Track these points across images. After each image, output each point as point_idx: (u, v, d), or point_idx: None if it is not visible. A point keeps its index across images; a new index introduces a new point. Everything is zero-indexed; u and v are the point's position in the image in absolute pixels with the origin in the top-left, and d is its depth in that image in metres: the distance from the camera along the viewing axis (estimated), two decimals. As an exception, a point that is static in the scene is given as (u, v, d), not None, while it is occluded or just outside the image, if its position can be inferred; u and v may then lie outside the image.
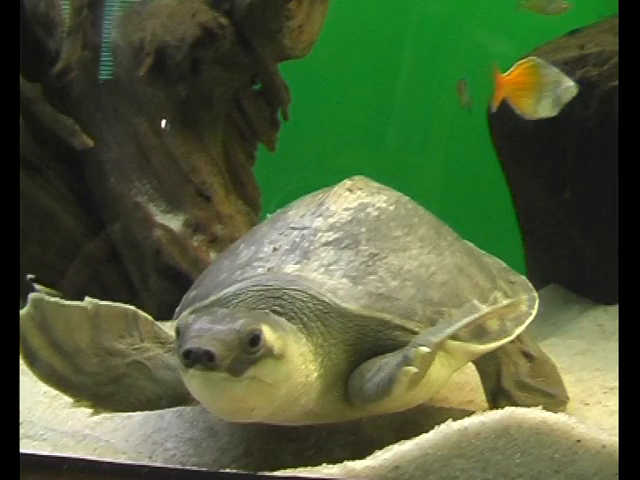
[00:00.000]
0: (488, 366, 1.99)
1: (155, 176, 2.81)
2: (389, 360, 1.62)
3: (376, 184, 2.01)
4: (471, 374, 2.07)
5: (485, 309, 1.81)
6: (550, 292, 3.07)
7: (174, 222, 2.76)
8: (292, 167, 3.59)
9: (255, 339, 1.51)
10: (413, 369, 1.56)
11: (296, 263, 1.75)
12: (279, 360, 1.55)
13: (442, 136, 4.06)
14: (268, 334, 1.54)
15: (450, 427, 1.50)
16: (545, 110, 2.40)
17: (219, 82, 2.81)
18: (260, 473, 1.52)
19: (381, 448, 1.57)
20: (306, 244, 1.79)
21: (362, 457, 1.55)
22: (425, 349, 1.56)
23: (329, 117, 3.97)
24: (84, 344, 1.75)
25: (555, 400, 2.01)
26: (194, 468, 1.61)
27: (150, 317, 1.86)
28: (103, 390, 1.73)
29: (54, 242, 2.93)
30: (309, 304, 1.67)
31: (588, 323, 2.81)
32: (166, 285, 2.73)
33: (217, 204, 2.82)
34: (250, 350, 1.51)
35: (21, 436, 1.73)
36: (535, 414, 1.52)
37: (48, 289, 3.08)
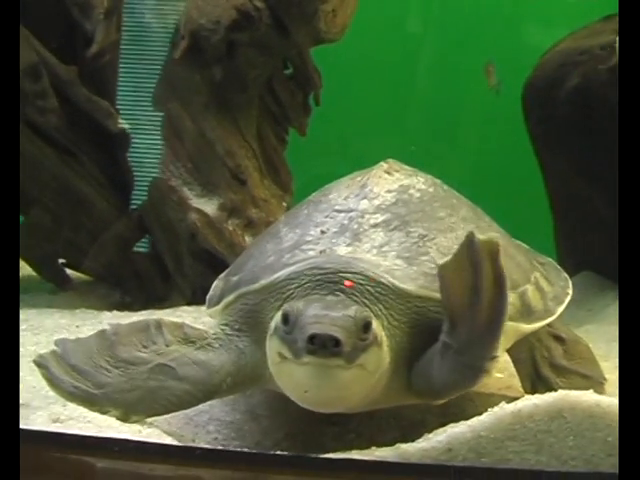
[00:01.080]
0: (521, 352, 1.98)
1: (190, 159, 2.79)
2: (457, 359, 1.57)
3: (408, 167, 2.01)
4: (508, 360, 2.06)
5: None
6: (584, 279, 3.03)
7: (209, 206, 2.74)
8: (314, 152, 3.59)
9: (367, 326, 1.53)
10: (486, 375, 1.55)
11: (348, 245, 1.74)
12: (380, 348, 1.57)
13: (470, 122, 4.05)
14: (374, 322, 1.56)
15: (503, 409, 1.50)
16: None
17: (254, 65, 2.80)
18: (314, 455, 1.51)
19: (429, 432, 1.56)
20: (355, 226, 1.78)
21: (404, 441, 1.55)
22: (497, 357, 1.54)
23: (351, 102, 3.96)
24: (103, 362, 1.75)
25: (592, 381, 2.00)
26: (246, 450, 1.60)
27: (179, 321, 1.84)
28: (129, 397, 1.71)
29: (86, 226, 2.93)
30: (368, 287, 1.65)
31: (624, 310, 2.77)
32: (201, 269, 2.72)
33: (252, 188, 2.80)
34: (362, 337, 1.52)
35: (65, 418, 1.73)
36: (588, 397, 1.52)
37: (79, 273, 3.10)
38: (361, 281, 1.66)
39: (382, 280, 1.66)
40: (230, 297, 1.83)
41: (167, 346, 1.77)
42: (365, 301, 1.64)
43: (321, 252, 1.74)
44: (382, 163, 1.97)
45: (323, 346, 1.46)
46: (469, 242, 1.53)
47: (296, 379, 1.53)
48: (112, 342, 1.77)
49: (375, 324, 1.56)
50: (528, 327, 1.81)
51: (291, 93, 3.02)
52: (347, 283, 1.66)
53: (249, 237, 2.69)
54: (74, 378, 1.73)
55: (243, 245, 2.66)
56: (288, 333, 1.53)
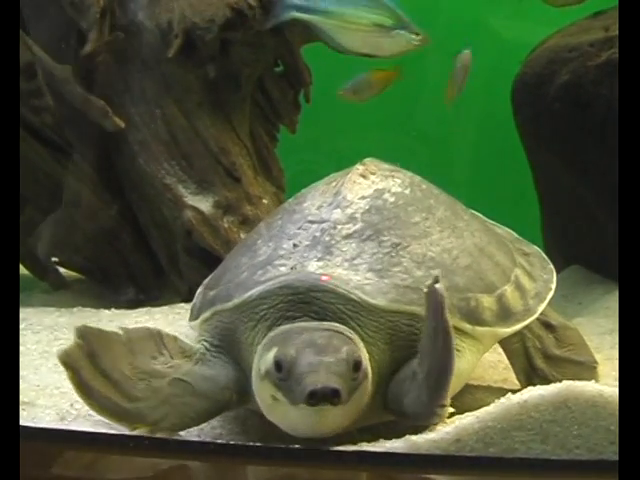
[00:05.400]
0: (513, 344, 2.00)
1: (184, 157, 2.80)
2: (421, 389, 1.56)
3: (387, 166, 1.99)
4: (503, 353, 2.08)
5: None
6: (573, 273, 3.07)
7: (204, 203, 2.75)
8: (293, 149, 3.59)
9: (358, 365, 1.53)
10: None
11: (319, 260, 1.71)
12: (368, 380, 1.57)
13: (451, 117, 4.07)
14: (362, 356, 1.55)
15: (510, 400, 1.53)
16: None
17: (247, 63, 2.81)
18: (325, 448, 1.52)
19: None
20: (327, 238, 1.75)
21: (411, 433, 1.57)
22: (449, 409, 1.54)
23: (329, 99, 3.98)
24: (127, 370, 1.68)
25: (585, 366, 2.03)
26: (258, 444, 1.61)
27: (173, 334, 1.83)
28: (157, 413, 1.65)
29: (80, 224, 2.92)
30: (339, 305, 1.64)
31: (614, 303, 2.79)
32: (197, 266, 2.71)
33: (246, 185, 2.82)
34: (354, 377, 1.52)
35: (75, 416, 1.75)
36: (591, 387, 1.54)
37: (72, 271, 3.09)
38: (332, 300, 1.64)
39: (352, 297, 1.64)
40: (207, 314, 1.82)
41: (171, 358, 1.75)
42: (340, 322, 1.63)
43: (292, 268, 1.71)
44: (358, 165, 1.94)
45: (324, 399, 1.46)
46: (429, 290, 1.52)
47: (290, 419, 1.54)
48: (129, 349, 1.71)
49: (364, 358, 1.56)
50: (506, 330, 1.81)
51: (282, 91, 3.04)
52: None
53: (244, 234, 2.69)
54: (104, 387, 1.63)
55: (239, 242, 2.67)
56: (283, 380, 1.52)
